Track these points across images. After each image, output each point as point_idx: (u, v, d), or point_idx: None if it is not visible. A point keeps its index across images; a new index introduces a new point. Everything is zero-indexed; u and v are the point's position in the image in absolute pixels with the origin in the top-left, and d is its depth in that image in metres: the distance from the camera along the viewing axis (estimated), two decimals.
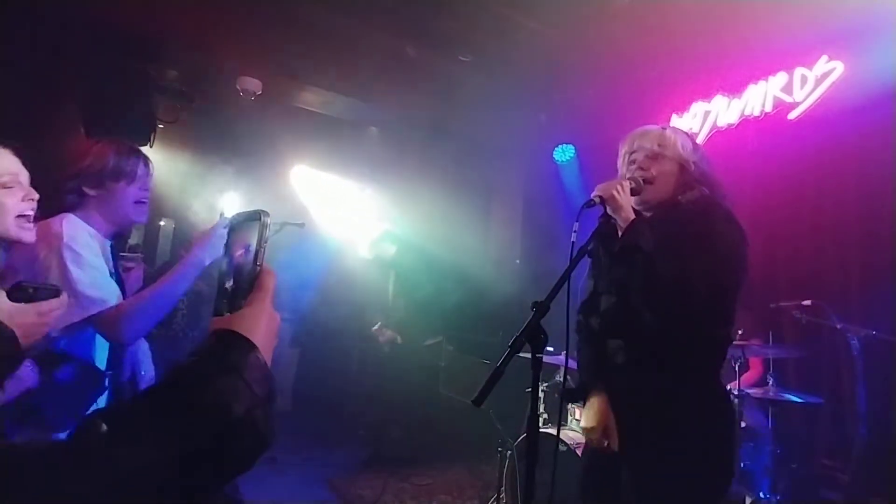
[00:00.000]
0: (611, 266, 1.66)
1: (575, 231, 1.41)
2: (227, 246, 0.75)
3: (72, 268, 1.46)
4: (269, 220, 0.72)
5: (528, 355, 1.26)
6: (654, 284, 1.49)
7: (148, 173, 1.74)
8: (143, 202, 1.72)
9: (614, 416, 1.65)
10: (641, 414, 1.58)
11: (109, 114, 3.81)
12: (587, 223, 1.52)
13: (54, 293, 1.13)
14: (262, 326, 0.65)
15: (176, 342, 3.60)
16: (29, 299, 1.08)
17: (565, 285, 1.35)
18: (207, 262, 1.61)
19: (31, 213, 1.37)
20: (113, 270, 1.66)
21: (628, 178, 1.66)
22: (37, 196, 1.38)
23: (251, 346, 0.61)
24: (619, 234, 1.56)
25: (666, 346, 1.54)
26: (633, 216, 1.56)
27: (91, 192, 1.64)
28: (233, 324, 0.64)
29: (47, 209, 1.50)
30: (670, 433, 1.51)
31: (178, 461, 0.51)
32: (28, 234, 1.35)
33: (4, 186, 1.32)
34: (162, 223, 5.62)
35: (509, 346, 1.21)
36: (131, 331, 1.51)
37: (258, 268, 0.70)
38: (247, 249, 0.72)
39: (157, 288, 1.57)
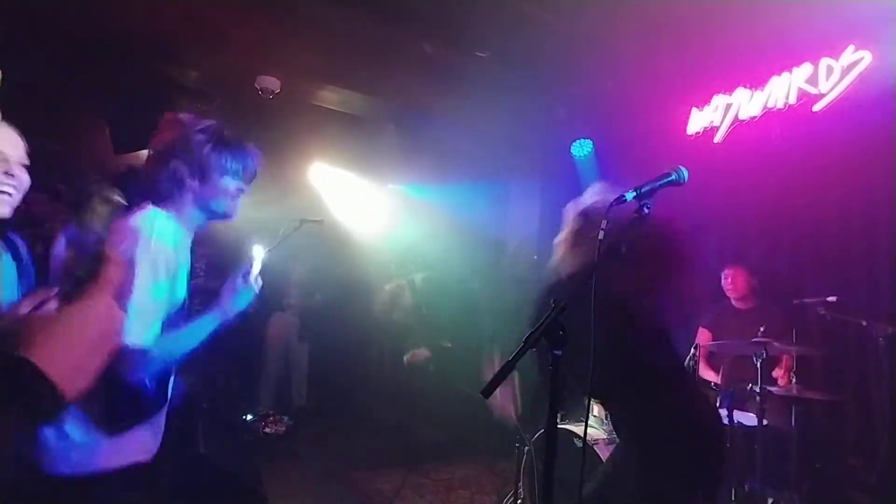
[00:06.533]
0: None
1: (603, 228, 1.35)
2: None
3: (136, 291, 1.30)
4: None
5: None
6: None
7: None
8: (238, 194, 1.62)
9: None
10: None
11: (134, 115, 3.89)
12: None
13: None
14: None
15: None
16: None
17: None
18: (231, 315, 1.53)
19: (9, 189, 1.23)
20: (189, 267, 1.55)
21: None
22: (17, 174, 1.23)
23: None
24: None
25: None
26: None
27: (194, 184, 1.47)
28: None
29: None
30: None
31: None
32: (3, 207, 1.21)
33: None
34: None
35: (523, 341, 1.21)
36: (147, 374, 1.40)
37: None
38: None
39: (182, 335, 1.46)
